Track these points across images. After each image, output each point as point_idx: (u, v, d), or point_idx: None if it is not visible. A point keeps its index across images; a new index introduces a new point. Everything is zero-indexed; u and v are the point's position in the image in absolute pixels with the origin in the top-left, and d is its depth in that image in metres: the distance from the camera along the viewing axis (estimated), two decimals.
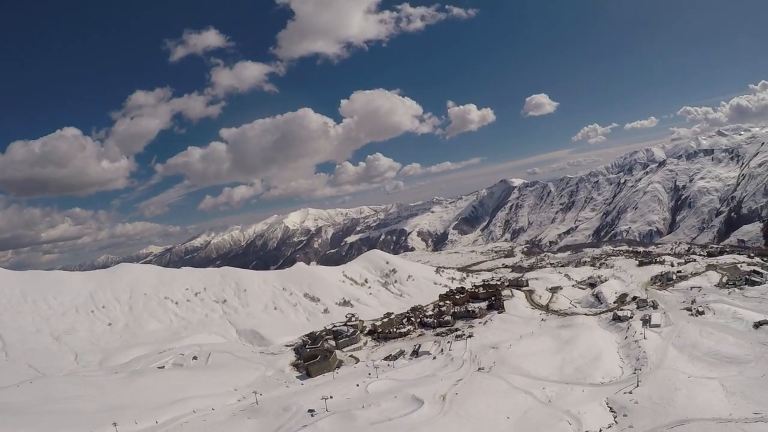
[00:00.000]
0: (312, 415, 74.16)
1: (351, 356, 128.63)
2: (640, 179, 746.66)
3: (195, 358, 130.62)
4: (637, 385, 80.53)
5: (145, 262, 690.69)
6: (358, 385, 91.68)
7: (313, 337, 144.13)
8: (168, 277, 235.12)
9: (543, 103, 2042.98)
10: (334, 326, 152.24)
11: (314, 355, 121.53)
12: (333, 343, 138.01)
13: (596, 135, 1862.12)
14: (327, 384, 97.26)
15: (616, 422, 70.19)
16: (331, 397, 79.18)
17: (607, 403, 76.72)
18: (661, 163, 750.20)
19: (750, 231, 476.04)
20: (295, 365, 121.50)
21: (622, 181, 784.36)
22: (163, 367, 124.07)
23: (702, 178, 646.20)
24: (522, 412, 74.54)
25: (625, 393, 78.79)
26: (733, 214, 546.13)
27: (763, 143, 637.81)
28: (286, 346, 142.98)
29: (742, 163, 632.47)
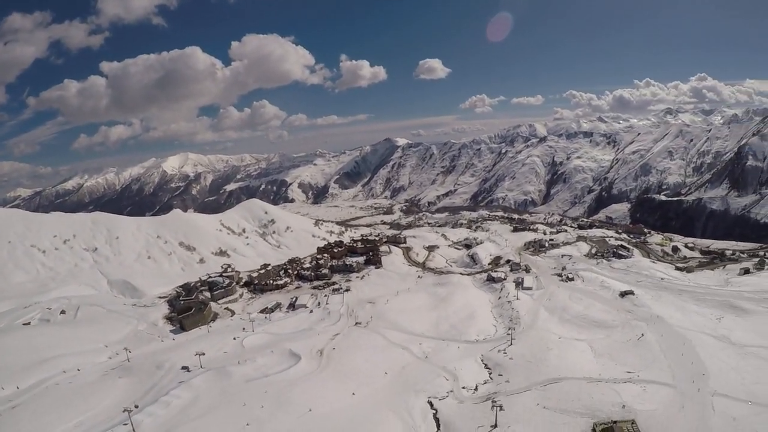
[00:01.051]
0: (187, 372, 72.46)
1: (226, 308, 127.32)
2: (520, 151, 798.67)
3: (63, 312, 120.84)
4: (511, 344, 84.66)
5: (12, 207, 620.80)
6: (235, 339, 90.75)
7: (187, 289, 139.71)
8: (35, 224, 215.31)
9: (436, 67, 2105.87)
10: (210, 277, 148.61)
11: (188, 308, 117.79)
12: (208, 294, 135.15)
13: (483, 105, 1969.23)
14: (202, 338, 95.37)
15: (491, 378, 73.00)
16: (204, 354, 77.44)
17: (482, 360, 79.82)
18: (542, 139, 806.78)
19: (618, 210, 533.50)
20: (169, 318, 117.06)
21: (503, 151, 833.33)
22: (29, 323, 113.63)
23: (579, 157, 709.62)
24: (400, 368, 75.58)
25: (499, 351, 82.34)
26: (604, 193, 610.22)
27: (639, 133, 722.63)
28: (160, 297, 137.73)
29: (618, 149, 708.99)
